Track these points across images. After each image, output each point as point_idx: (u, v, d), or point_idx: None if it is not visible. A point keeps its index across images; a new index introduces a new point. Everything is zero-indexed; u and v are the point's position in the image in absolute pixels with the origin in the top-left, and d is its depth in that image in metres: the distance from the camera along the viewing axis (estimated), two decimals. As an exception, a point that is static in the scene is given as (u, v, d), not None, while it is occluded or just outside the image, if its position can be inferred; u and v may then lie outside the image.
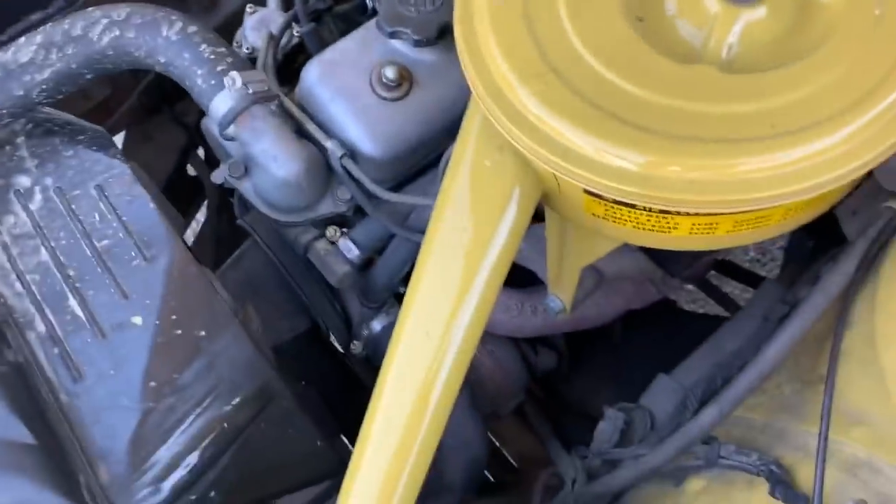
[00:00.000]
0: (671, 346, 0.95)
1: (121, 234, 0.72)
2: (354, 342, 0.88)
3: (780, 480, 0.66)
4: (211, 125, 0.80)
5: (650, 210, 0.57)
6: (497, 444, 1.21)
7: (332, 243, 0.80)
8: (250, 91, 0.75)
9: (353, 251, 0.80)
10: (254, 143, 0.76)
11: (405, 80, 0.77)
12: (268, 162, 0.76)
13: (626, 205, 0.57)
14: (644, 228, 0.60)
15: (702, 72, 0.56)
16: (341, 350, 0.93)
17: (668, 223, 0.58)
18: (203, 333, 0.66)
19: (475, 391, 0.97)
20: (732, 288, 1.44)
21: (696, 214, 0.56)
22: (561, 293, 0.81)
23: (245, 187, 0.79)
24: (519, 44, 0.58)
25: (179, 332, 0.66)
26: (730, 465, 0.72)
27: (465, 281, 0.62)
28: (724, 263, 1.30)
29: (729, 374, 0.86)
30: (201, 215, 1.37)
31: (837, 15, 0.57)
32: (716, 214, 0.56)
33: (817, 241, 0.89)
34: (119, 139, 1.24)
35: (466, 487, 0.89)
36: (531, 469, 1.21)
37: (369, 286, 0.85)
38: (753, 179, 0.53)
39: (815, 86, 0.54)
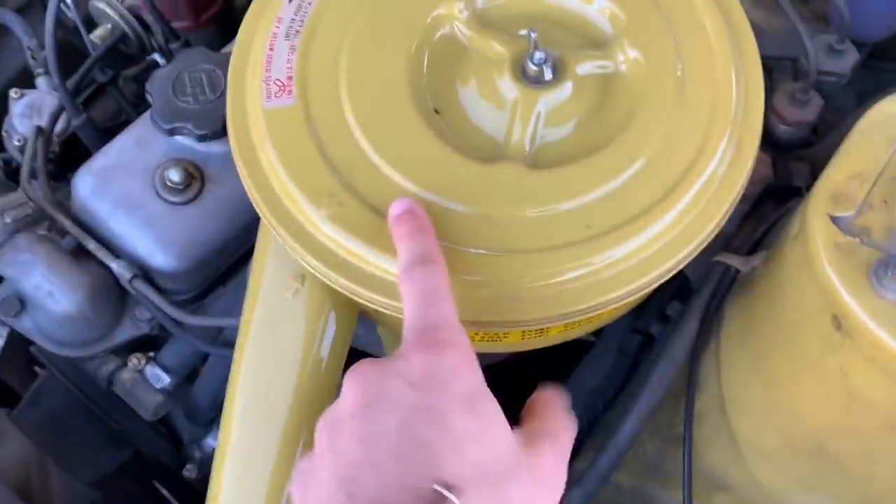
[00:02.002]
0: (532, 373, 0.92)
1: None
2: (188, 466, 0.78)
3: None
4: None
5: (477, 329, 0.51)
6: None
7: (139, 372, 0.70)
8: (8, 220, 0.64)
9: (163, 379, 0.70)
10: (22, 278, 0.65)
11: (195, 180, 0.68)
12: (43, 298, 0.65)
13: (448, 327, 0.51)
14: (474, 341, 0.54)
15: (507, 170, 0.50)
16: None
17: (497, 335, 0.53)
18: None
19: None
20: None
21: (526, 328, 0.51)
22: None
23: (24, 326, 0.68)
24: (305, 158, 0.51)
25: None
26: (601, 543, 0.69)
27: (288, 425, 0.55)
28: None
29: (594, 414, 0.83)
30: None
31: (641, 85, 0.53)
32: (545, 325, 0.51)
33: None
34: None
35: None
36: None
37: (192, 407, 0.75)
38: (577, 289, 0.48)
39: (628, 173, 0.50)
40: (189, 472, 0.78)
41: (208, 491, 0.55)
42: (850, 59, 0.69)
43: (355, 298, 0.50)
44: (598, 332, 1.31)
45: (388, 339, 0.65)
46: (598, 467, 0.66)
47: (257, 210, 0.51)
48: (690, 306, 0.63)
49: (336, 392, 0.55)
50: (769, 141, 0.69)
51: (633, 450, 0.76)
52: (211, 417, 0.77)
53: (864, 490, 0.53)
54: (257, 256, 0.56)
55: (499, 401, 0.40)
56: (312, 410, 0.54)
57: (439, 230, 0.48)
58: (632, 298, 0.49)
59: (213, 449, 0.79)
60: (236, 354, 0.55)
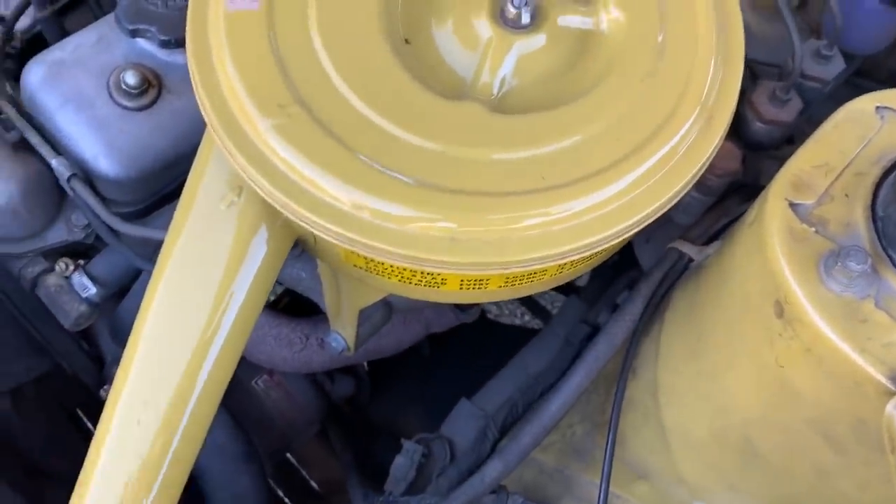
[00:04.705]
0: (479, 360, 0.90)
1: None
2: (105, 387, 0.75)
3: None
4: None
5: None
6: (299, 467, 1.13)
7: (66, 278, 0.67)
8: (-50, 101, 0.60)
9: (89, 289, 0.67)
10: (-46, 159, 0.61)
11: (151, 87, 0.64)
12: (-27, 184, 0.62)
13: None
14: (411, 283, 0.52)
15: (470, 110, 0.48)
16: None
17: (434, 279, 0.51)
18: None
19: (263, 428, 0.87)
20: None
21: (465, 273, 0.49)
22: (343, 331, 0.73)
23: (-50, 212, 0.64)
24: (261, 66, 0.48)
25: None
26: (517, 518, 0.67)
27: (201, 336, 0.52)
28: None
29: (531, 398, 0.82)
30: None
31: (619, 47, 0.52)
32: (485, 272, 0.49)
33: (620, 257, 0.87)
34: None
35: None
36: (334, 494, 1.14)
37: (117, 326, 0.72)
38: (521, 238, 0.46)
39: (591, 131, 0.48)
40: (106, 392, 0.75)
41: (99, 421, 0.53)
42: (835, 66, 0.68)
43: (290, 217, 0.47)
44: (545, 319, 1.30)
45: (328, 277, 0.63)
46: (520, 441, 0.64)
47: (202, 112, 0.49)
48: (638, 288, 0.62)
49: (242, 342, 0.53)
50: (743, 137, 0.67)
51: (561, 432, 0.74)
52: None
53: (784, 490, 0.52)
54: (196, 165, 0.53)
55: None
56: (220, 352, 0.51)
57: (393, 161, 0.46)
58: (574, 257, 0.48)
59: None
60: (157, 265, 0.52)
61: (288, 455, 1.09)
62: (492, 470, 0.66)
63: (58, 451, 0.76)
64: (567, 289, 1.22)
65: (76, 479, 0.52)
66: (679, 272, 0.61)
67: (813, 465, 0.48)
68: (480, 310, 0.87)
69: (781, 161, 0.66)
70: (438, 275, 0.50)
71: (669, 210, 0.51)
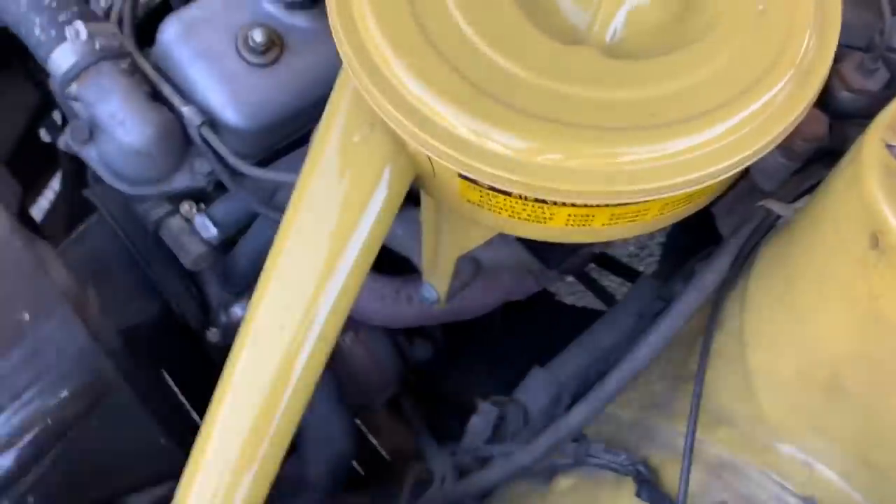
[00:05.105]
0: (549, 339, 0.94)
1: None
2: (212, 329, 0.81)
3: (646, 481, 0.65)
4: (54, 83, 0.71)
5: (526, 198, 0.53)
6: (370, 436, 1.17)
7: (188, 221, 0.73)
8: (97, 45, 0.67)
9: (210, 230, 0.73)
10: (99, 104, 0.68)
11: (275, 46, 0.71)
12: (114, 126, 0.68)
13: (502, 192, 0.53)
14: (520, 218, 0.56)
15: (584, 54, 0.53)
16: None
17: (543, 213, 0.55)
18: (27, 317, 0.58)
19: (345, 384, 0.92)
20: (611, 282, 1.45)
21: (573, 205, 0.53)
22: (436, 282, 0.77)
23: (89, 154, 0.71)
24: (396, 15, 0.54)
25: (-3, 313, 0.57)
26: (598, 464, 0.70)
27: (327, 267, 0.57)
28: (603, 257, 1.30)
29: (603, 369, 0.84)
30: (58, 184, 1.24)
31: (722, 8, 0.56)
32: (592, 206, 0.54)
33: (694, 238, 0.90)
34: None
35: (331, 484, 0.85)
36: (403, 463, 1.18)
37: (230, 269, 0.78)
38: (630, 171, 0.50)
39: (697, 77, 0.52)
40: (213, 335, 0.81)
41: (232, 347, 0.58)
42: (921, 43, 0.71)
43: (417, 147, 0.52)
44: (611, 304, 1.32)
45: (430, 223, 0.67)
46: (605, 385, 0.68)
47: (340, 52, 0.54)
48: (727, 242, 0.65)
49: (363, 274, 0.58)
50: (829, 106, 0.70)
51: (640, 391, 0.77)
52: (244, 285, 0.80)
53: (871, 428, 0.54)
54: (330, 107, 0.58)
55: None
56: (345, 281, 0.56)
57: (514, 97, 0.50)
58: (676, 193, 0.51)
59: (240, 317, 0.82)
60: (293, 198, 0.58)
61: (358, 422, 1.14)
62: (577, 414, 0.70)
63: (158, 398, 0.82)
64: (635, 276, 1.25)
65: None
66: (767, 228, 0.65)
67: (901, 396, 0.51)
68: (557, 276, 0.91)
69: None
70: (548, 209, 0.54)
71: (761, 163, 0.55)
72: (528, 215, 0.56)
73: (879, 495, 0.56)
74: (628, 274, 1.30)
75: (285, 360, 0.57)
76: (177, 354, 0.91)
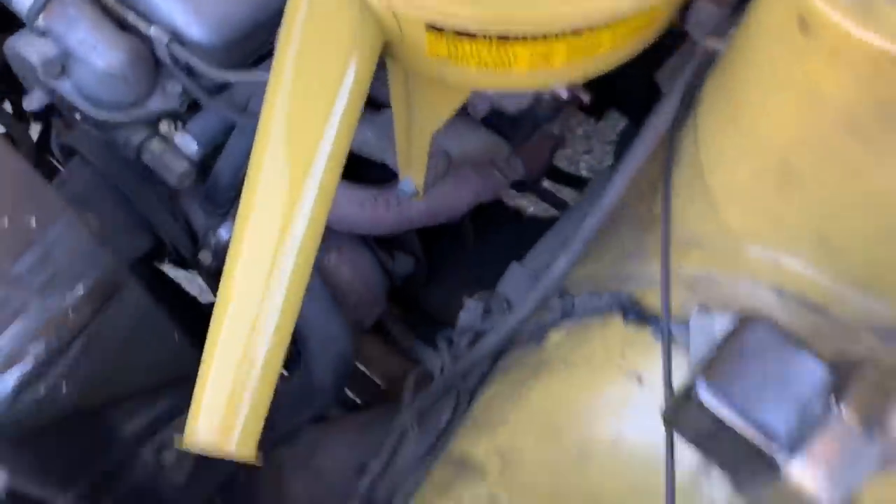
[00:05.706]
0: (521, 249, 0.99)
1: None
2: (203, 252, 0.84)
3: (631, 307, 0.70)
4: (15, 44, 0.73)
5: (490, 39, 0.58)
6: (362, 366, 1.21)
7: (167, 140, 0.76)
8: (58, -22, 0.69)
9: (191, 146, 0.76)
10: (69, 32, 0.70)
11: (231, -41, 0.74)
12: (87, 52, 0.71)
13: (467, 35, 0.58)
14: (486, 66, 0.61)
15: None
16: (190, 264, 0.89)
17: (507, 56, 0.60)
18: (33, 223, 0.61)
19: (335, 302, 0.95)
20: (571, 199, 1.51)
21: (533, 40, 0.58)
22: (413, 173, 0.82)
23: (65, 87, 0.73)
24: None
25: (6, 222, 0.60)
26: (585, 311, 0.75)
27: (313, 140, 0.61)
28: (560, 173, 1.37)
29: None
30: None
31: None
32: (550, 39, 0.58)
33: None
34: None
35: (335, 386, 0.88)
36: (397, 389, 1.22)
37: (212, 188, 0.81)
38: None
39: None
40: (204, 257, 0.84)
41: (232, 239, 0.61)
42: None
43: (385, 7, 0.56)
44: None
45: (400, 102, 0.71)
46: (582, 232, 0.73)
47: None
48: (675, 84, 0.71)
49: (344, 150, 0.62)
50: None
51: (611, 245, 0.82)
52: (229, 205, 0.83)
53: (823, 207, 0.60)
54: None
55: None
56: (327, 160, 0.60)
57: None
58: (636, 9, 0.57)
59: (226, 240, 0.85)
60: (270, 80, 0.61)
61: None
62: (559, 263, 0.75)
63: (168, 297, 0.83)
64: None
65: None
66: (707, 64, 0.71)
67: (845, 167, 0.57)
68: (521, 168, 0.96)
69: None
70: (511, 49, 0.59)
71: (696, 15, 0.61)
72: (494, 62, 0.60)
73: (841, 270, 0.62)
74: (585, 185, 1.37)
75: (278, 250, 0.60)
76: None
